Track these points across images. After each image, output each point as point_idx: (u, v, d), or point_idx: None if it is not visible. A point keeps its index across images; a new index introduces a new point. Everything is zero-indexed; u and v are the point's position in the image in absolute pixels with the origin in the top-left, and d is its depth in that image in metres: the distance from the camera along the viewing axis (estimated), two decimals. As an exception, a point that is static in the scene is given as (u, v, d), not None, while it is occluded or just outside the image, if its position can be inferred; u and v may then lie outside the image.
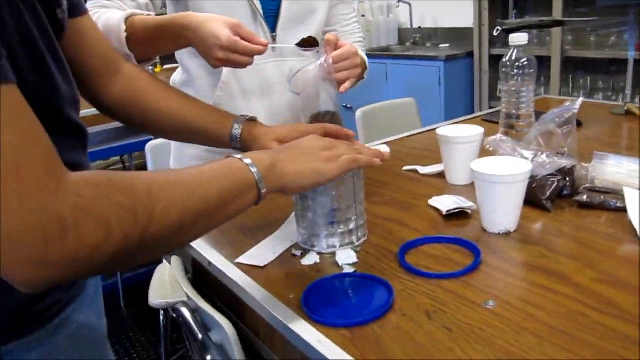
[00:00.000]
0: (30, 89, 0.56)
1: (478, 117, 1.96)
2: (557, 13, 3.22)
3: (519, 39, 1.32)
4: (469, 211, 1.09)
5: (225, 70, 1.32)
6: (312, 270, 0.94)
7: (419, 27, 4.71)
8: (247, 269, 0.96)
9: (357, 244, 1.01)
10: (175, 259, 1.14)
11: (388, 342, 0.74)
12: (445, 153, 1.26)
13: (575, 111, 1.16)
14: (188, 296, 1.06)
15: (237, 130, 1.08)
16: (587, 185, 1.11)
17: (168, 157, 1.55)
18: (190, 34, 1.05)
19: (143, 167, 2.67)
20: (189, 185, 0.67)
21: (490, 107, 3.74)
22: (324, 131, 1.01)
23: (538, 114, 1.35)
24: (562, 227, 1.03)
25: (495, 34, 1.70)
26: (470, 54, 3.88)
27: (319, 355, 0.73)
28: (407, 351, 0.72)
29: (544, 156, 1.12)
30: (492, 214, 1.00)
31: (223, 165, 0.74)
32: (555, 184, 1.08)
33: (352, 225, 0.99)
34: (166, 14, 1.27)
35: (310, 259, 0.97)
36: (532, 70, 1.32)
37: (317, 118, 1.16)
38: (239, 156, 0.77)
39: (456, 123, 1.81)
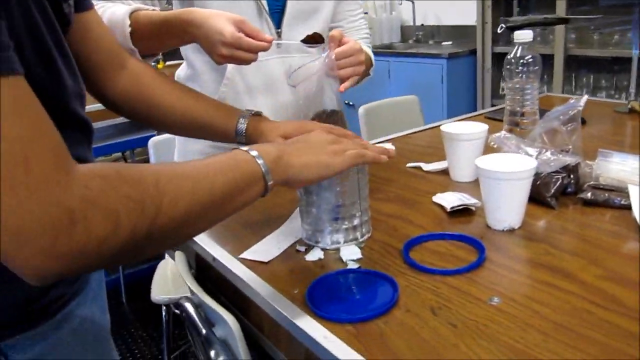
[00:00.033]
0: (37, 82, 0.56)
1: (481, 114, 1.96)
2: (561, 11, 3.22)
3: (523, 36, 1.32)
4: (473, 208, 1.09)
5: (230, 66, 1.32)
6: (316, 266, 0.94)
7: (422, 25, 4.70)
8: (251, 265, 0.96)
9: (361, 240, 1.01)
10: (179, 254, 1.14)
11: (393, 338, 0.74)
12: (449, 150, 1.26)
13: (580, 109, 1.16)
14: (191, 291, 1.06)
15: (242, 124, 1.07)
16: (591, 182, 1.11)
17: (171, 152, 1.55)
18: (194, 30, 1.05)
19: (145, 162, 2.67)
20: (196, 177, 0.67)
21: (493, 105, 3.73)
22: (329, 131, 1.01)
23: (542, 112, 1.35)
24: (566, 225, 1.03)
25: (499, 31, 1.70)
26: (473, 52, 3.87)
27: (324, 351, 0.73)
28: (412, 347, 0.72)
29: (548, 153, 1.12)
30: (497, 211, 1.00)
31: (229, 158, 0.74)
32: (560, 181, 1.08)
33: (356, 222, 0.99)
34: (171, 9, 1.27)
35: (315, 255, 0.97)
36: (536, 68, 1.32)
37: (320, 116, 1.16)
38: (245, 148, 0.77)
39: (460, 120, 1.81)
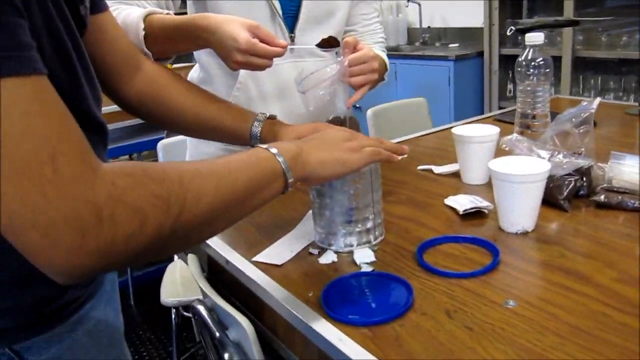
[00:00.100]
0: (56, 83, 0.56)
1: (490, 116, 1.96)
2: (568, 13, 3.21)
3: (535, 38, 1.32)
4: (486, 211, 1.09)
5: (243, 71, 1.32)
6: (329, 269, 0.95)
7: (428, 27, 4.70)
8: (265, 268, 0.96)
9: (374, 243, 1.01)
10: (191, 257, 1.14)
11: (409, 341, 0.74)
12: (461, 152, 1.26)
13: (593, 111, 1.16)
14: (204, 294, 1.06)
15: (257, 128, 1.08)
16: (604, 185, 1.11)
17: (180, 155, 1.55)
18: (208, 35, 1.04)
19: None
20: (219, 174, 0.68)
21: (500, 107, 3.73)
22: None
23: (552, 114, 1.35)
24: (579, 227, 1.03)
25: (508, 33, 1.70)
26: (480, 54, 3.87)
27: (341, 354, 0.73)
28: (428, 350, 0.72)
29: (560, 156, 1.12)
30: (510, 214, 1.00)
31: (250, 155, 0.75)
32: (573, 183, 1.08)
33: (369, 224, 0.99)
34: (186, 13, 1.27)
35: (328, 258, 0.97)
36: (547, 70, 1.32)
37: (334, 123, 1.16)
38: (264, 146, 0.78)
39: (470, 123, 1.80)
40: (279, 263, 0.97)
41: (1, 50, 0.51)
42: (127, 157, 3.68)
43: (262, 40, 1.03)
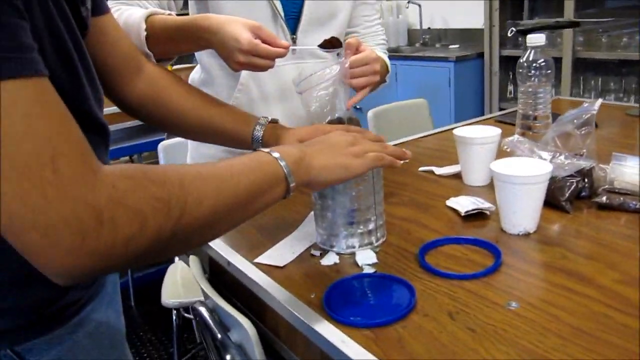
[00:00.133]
0: (58, 84, 0.56)
1: (491, 118, 1.96)
2: (568, 14, 3.21)
3: (536, 39, 1.32)
4: (487, 212, 1.09)
5: (244, 72, 1.32)
6: (331, 271, 0.95)
7: (429, 28, 4.70)
8: (267, 269, 0.96)
9: (376, 244, 1.01)
10: (193, 258, 1.14)
11: (411, 343, 0.74)
12: (462, 154, 1.26)
13: (595, 112, 1.16)
14: (205, 296, 1.06)
15: (259, 131, 1.08)
16: (605, 186, 1.11)
17: (181, 157, 1.55)
18: (210, 36, 1.04)
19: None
20: (220, 178, 0.68)
21: (501, 109, 3.73)
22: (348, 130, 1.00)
23: (554, 115, 1.35)
24: (581, 229, 1.03)
25: (509, 34, 1.70)
26: (481, 55, 3.87)
27: (343, 356, 0.73)
28: (431, 352, 0.72)
29: (562, 157, 1.12)
30: (512, 215, 1.00)
31: (252, 159, 0.75)
32: (574, 185, 1.08)
33: (371, 226, 0.99)
34: (188, 13, 1.27)
35: (330, 259, 0.97)
36: (549, 71, 1.32)
37: (336, 124, 1.15)
38: (267, 150, 0.78)
39: (471, 124, 1.80)
40: (281, 265, 0.97)
41: (2, 51, 0.51)
42: (127, 158, 3.68)
43: (264, 41, 1.02)
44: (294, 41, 1.34)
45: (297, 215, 1.16)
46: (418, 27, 4.74)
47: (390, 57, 1.55)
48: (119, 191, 0.56)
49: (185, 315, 2.03)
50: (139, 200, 0.58)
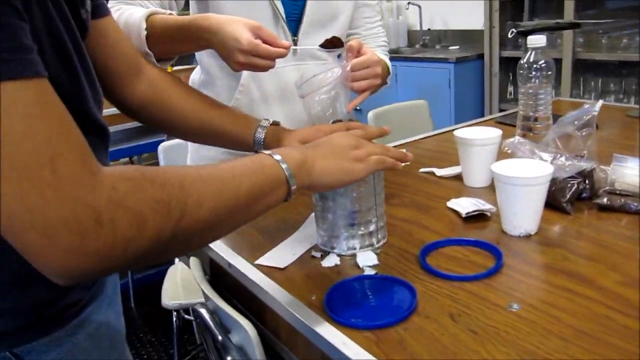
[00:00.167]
0: (57, 85, 0.56)
1: (491, 119, 1.96)
2: (568, 15, 3.21)
3: (537, 41, 1.32)
4: (488, 213, 1.09)
5: (245, 73, 1.31)
6: (332, 272, 0.94)
7: (429, 29, 4.70)
8: (268, 271, 0.96)
9: (377, 245, 1.01)
10: (193, 260, 1.14)
11: (413, 345, 0.74)
12: (463, 155, 1.26)
13: (595, 114, 1.16)
14: (206, 297, 1.06)
15: (260, 134, 1.07)
16: (606, 188, 1.11)
17: (181, 158, 1.55)
18: (210, 36, 1.04)
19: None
20: (221, 180, 0.68)
21: (501, 110, 3.73)
22: (347, 129, 1.00)
23: (554, 117, 1.35)
24: (582, 230, 1.03)
25: (510, 35, 1.70)
26: (481, 56, 3.87)
27: (344, 357, 0.73)
28: (432, 353, 0.71)
29: (563, 159, 1.12)
30: (513, 217, 1.00)
31: (254, 162, 0.75)
32: (575, 186, 1.08)
33: (372, 227, 0.99)
34: (189, 13, 1.27)
35: (331, 261, 0.97)
36: (550, 73, 1.32)
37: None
38: (268, 152, 0.78)
39: (471, 125, 1.80)
40: (282, 266, 0.97)
41: (2, 52, 0.51)
42: (127, 159, 3.69)
43: (264, 41, 1.02)
44: (294, 43, 1.34)
45: (297, 216, 1.16)
46: (418, 28, 4.74)
47: (390, 58, 1.55)
48: (118, 192, 0.56)
49: (185, 316, 2.04)
50: (139, 202, 0.57)
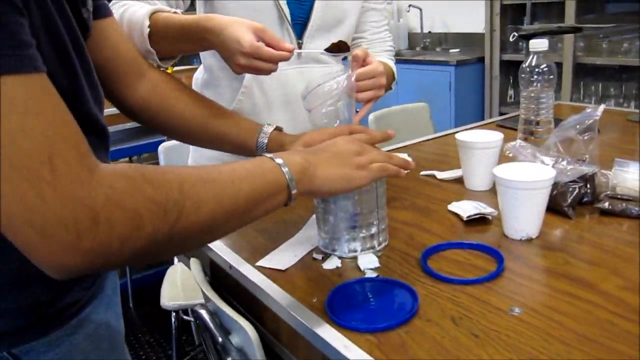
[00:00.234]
0: (55, 82, 0.56)
1: (492, 122, 1.96)
2: (569, 19, 3.21)
3: (539, 44, 1.32)
4: (490, 217, 1.09)
5: (248, 75, 1.30)
6: (333, 275, 0.94)
7: (429, 32, 4.71)
8: (269, 273, 0.96)
9: (378, 248, 1.00)
10: (194, 261, 1.14)
11: (415, 348, 0.73)
12: (464, 158, 1.26)
13: (597, 118, 1.16)
14: (206, 298, 1.06)
15: (263, 139, 1.07)
16: (608, 192, 1.11)
17: (181, 158, 1.54)
18: (213, 37, 1.02)
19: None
20: (221, 183, 0.68)
21: (501, 113, 3.73)
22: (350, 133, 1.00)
23: (555, 121, 1.35)
24: (584, 234, 1.02)
25: (511, 39, 1.70)
26: (481, 59, 3.88)
27: (345, 360, 0.73)
28: (434, 356, 0.71)
29: (564, 163, 1.12)
30: (515, 220, 1.00)
31: (256, 165, 0.74)
32: (577, 190, 1.08)
33: (373, 230, 0.99)
34: (194, 12, 1.26)
35: (332, 263, 0.97)
36: (552, 77, 1.32)
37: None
38: (270, 155, 0.77)
39: (472, 128, 1.80)
40: (283, 268, 0.97)
41: (0, 48, 0.51)
42: (127, 159, 3.69)
43: (267, 44, 1.01)
44: (299, 46, 1.33)
45: (299, 218, 1.16)
46: (419, 31, 4.74)
47: (394, 62, 1.54)
48: (116, 192, 0.56)
49: (184, 317, 2.03)
50: (136, 202, 0.57)
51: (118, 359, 0.92)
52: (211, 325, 1.02)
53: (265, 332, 0.95)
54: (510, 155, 1.17)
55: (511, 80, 3.86)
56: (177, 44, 1.10)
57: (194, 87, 1.47)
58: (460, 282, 0.88)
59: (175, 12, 1.11)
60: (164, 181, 0.61)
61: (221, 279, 1.09)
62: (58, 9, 0.65)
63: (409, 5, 4.59)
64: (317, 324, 0.80)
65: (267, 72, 1.03)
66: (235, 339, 0.97)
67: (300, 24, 1.33)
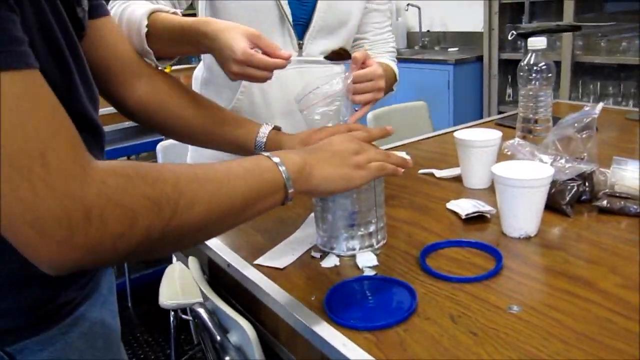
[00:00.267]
0: (49, 79, 0.56)
1: (491, 121, 1.96)
2: (568, 18, 3.22)
3: (537, 43, 1.32)
4: (488, 215, 1.09)
5: None
6: (332, 273, 0.94)
7: (428, 31, 4.71)
8: (267, 271, 0.95)
9: (377, 246, 1.00)
10: (192, 259, 1.13)
11: (413, 346, 0.73)
12: (463, 156, 1.26)
13: (596, 116, 1.16)
14: (205, 297, 1.05)
15: (262, 138, 1.07)
16: (606, 190, 1.11)
17: (180, 157, 1.54)
18: (209, 42, 1.00)
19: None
20: (217, 181, 0.67)
21: (500, 112, 3.73)
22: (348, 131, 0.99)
23: (554, 119, 1.35)
24: (582, 232, 1.02)
25: (510, 37, 1.70)
26: (480, 58, 3.88)
27: (344, 359, 0.72)
28: (433, 355, 0.71)
29: (562, 161, 1.12)
30: (513, 218, 1.00)
31: (253, 164, 0.74)
32: (575, 188, 1.08)
33: (372, 228, 0.99)
34: (194, 11, 1.25)
35: (330, 262, 0.97)
36: (550, 75, 1.32)
37: None
38: (267, 154, 0.77)
39: (471, 127, 1.80)
40: (281, 266, 0.96)
41: None
42: (125, 158, 3.68)
43: (263, 51, 0.98)
44: (300, 47, 1.33)
45: (297, 217, 1.16)
46: (417, 30, 4.74)
47: (391, 61, 1.54)
48: (109, 188, 0.56)
49: (183, 316, 2.03)
50: (129, 199, 0.57)
51: (113, 358, 0.92)
52: (209, 324, 1.01)
53: (264, 331, 0.95)
54: (509, 153, 1.17)
55: (510, 79, 3.87)
56: (174, 45, 1.09)
57: (193, 84, 1.47)
58: (458, 280, 0.88)
59: (175, 13, 1.10)
60: (158, 178, 0.61)
61: (219, 278, 1.09)
62: (51, 7, 0.65)
63: (408, 4, 4.59)
64: (315, 322, 0.80)
65: (262, 80, 1.00)
66: (233, 338, 0.97)
67: (301, 25, 1.33)
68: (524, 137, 1.34)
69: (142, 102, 1.03)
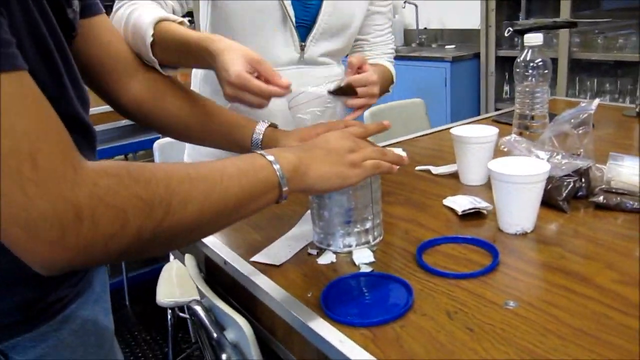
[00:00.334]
0: (38, 80, 0.56)
1: (488, 117, 1.96)
2: (565, 15, 3.22)
3: (533, 39, 1.32)
4: (485, 211, 1.09)
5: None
6: (328, 270, 0.94)
7: (425, 28, 4.71)
8: (263, 268, 0.95)
9: (373, 243, 1.00)
10: (189, 257, 1.13)
11: (410, 342, 0.73)
12: (459, 153, 1.26)
13: (592, 112, 1.16)
14: (201, 295, 1.05)
15: (258, 135, 1.06)
16: (602, 186, 1.11)
17: (177, 155, 1.54)
18: (210, 60, 0.98)
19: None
20: (210, 181, 0.67)
21: (497, 109, 3.73)
22: (345, 127, 0.99)
23: (550, 115, 1.35)
24: (579, 228, 1.02)
25: (506, 34, 1.70)
26: (477, 55, 3.87)
27: (341, 355, 0.72)
28: (429, 351, 0.71)
29: (559, 157, 1.12)
30: (510, 215, 1.00)
31: (246, 163, 0.74)
32: (572, 184, 1.08)
33: (368, 225, 0.99)
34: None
35: (327, 258, 0.97)
36: (546, 71, 1.32)
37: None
38: (262, 152, 0.76)
39: (467, 123, 1.80)
40: (278, 263, 0.96)
41: None
42: (122, 157, 3.68)
43: (262, 77, 0.96)
44: (302, 48, 1.32)
45: (293, 213, 1.15)
46: (414, 27, 4.74)
47: (386, 57, 1.54)
48: (100, 189, 0.56)
49: (180, 314, 2.03)
50: (121, 199, 0.57)
51: (106, 355, 0.92)
52: (206, 321, 1.01)
53: (260, 328, 0.95)
54: (505, 149, 1.17)
55: (507, 77, 3.86)
56: (179, 58, 1.06)
57: (193, 81, 1.47)
58: (455, 277, 0.88)
59: (181, 22, 1.08)
60: (150, 178, 0.61)
61: (216, 275, 1.09)
62: (39, 9, 0.64)
63: (405, 2, 4.58)
64: (312, 319, 0.80)
65: (257, 106, 0.97)
66: (230, 335, 0.97)
67: (304, 27, 1.32)
68: (520, 134, 1.34)
69: (137, 100, 1.02)
